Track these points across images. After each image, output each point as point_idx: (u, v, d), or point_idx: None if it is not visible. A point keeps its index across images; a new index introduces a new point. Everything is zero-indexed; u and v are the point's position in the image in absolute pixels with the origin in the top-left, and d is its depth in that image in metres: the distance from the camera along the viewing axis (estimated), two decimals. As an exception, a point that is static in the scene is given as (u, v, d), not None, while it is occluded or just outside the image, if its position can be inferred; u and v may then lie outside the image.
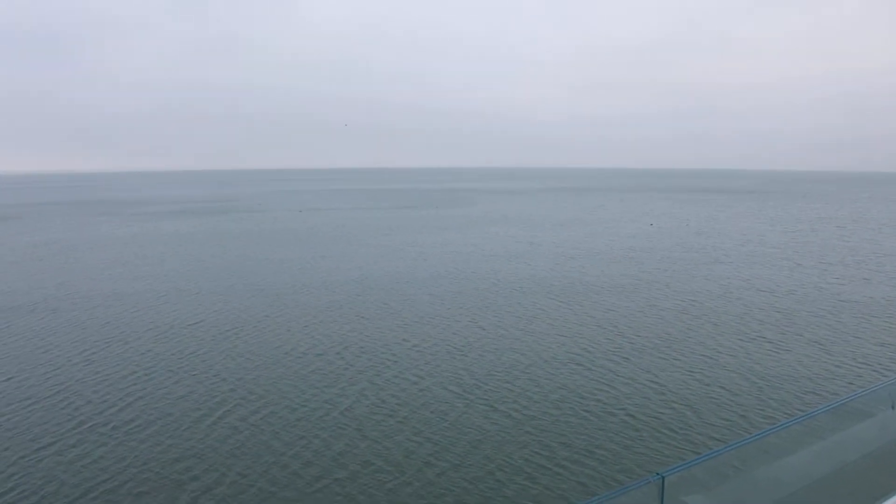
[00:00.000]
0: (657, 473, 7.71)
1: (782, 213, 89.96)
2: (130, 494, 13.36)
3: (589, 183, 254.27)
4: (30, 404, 18.22)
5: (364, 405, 18.37)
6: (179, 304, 31.26)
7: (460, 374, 21.13)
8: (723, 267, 43.10)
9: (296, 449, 15.63)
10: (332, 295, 33.57)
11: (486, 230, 66.16)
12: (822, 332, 26.54)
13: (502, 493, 13.55)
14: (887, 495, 8.57)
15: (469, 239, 57.75)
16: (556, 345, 24.54)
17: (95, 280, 38.35)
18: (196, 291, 34.62)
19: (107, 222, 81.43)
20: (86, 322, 27.93)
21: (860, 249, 51.69)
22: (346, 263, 44.12)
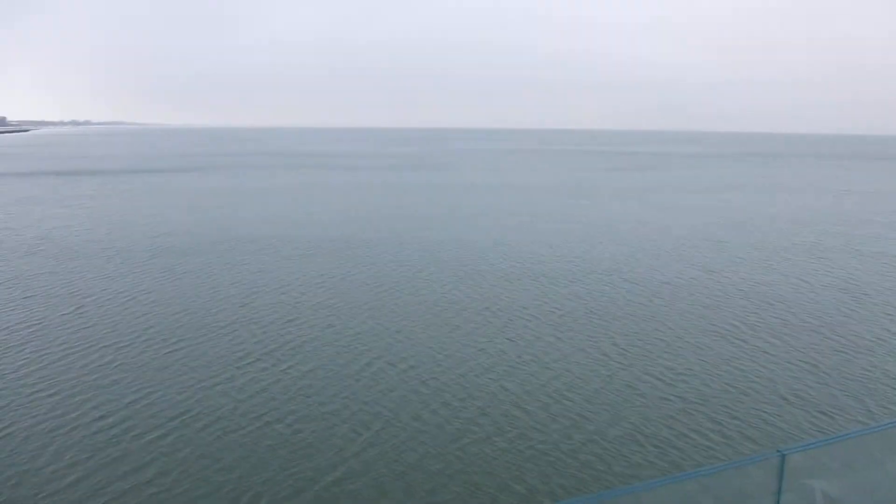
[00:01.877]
0: (778, 450, 7.40)
1: None
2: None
3: (769, 148, 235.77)
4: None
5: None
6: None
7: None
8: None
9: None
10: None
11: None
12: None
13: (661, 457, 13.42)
14: None
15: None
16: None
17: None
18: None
19: (336, 172, 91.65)
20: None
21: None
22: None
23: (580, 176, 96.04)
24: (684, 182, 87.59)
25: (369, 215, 51.15)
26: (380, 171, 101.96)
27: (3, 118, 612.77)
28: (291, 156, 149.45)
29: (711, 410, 16.78)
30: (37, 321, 23.39)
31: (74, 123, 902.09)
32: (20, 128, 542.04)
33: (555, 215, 52.21)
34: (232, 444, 14.83)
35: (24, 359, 19.78)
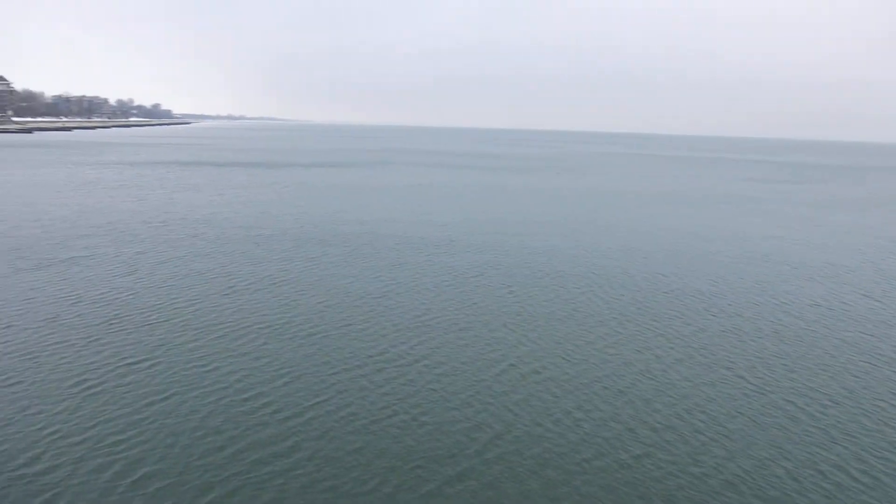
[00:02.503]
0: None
1: None
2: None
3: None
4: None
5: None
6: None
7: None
8: None
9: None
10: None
11: None
12: None
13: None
14: None
15: None
16: None
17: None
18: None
19: (475, 173, 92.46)
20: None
21: None
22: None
23: (743, 187, 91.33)
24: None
25: (535, 221, 51.53)
26: (522, 174, 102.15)
27: (169, 111, 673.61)
28: (428, 154, 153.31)
29: None
30: (196, 299, 25.67)
31: (230, 118, 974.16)
32: (183, 120, 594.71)
33: (746, 239, 50.09)
34: (360, 431, 15.62)
35: (185, 334, 21.81)
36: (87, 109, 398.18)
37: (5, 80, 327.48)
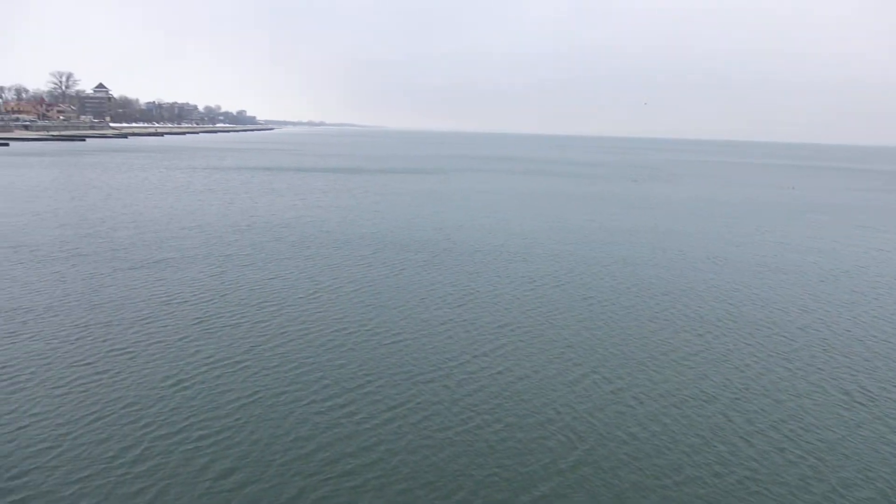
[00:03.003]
0: None
1: None
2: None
3: None
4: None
5: None
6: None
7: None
8: None
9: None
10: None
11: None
12: None
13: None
14: None
15: None
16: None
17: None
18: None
19: (569, 181, 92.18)
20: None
21: None
22: None
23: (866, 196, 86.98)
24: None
25: (649, 234, 50.73)
26: (622, 183, 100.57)
27: (254, 117, 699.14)
28: (516, 161, 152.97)
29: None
30: (281, 302, 26.36)
31: (311, 124, 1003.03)
32: (266, 126, 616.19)
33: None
34: (445, 441, 15.59)
35: (271, 336, 22.40)
36: (177, 115, 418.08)
37: (104, 87, 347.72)
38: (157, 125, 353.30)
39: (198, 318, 23.98)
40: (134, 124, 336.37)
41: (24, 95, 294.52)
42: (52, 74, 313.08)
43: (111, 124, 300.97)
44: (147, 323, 23.22)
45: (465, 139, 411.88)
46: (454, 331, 23.62)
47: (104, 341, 21.25)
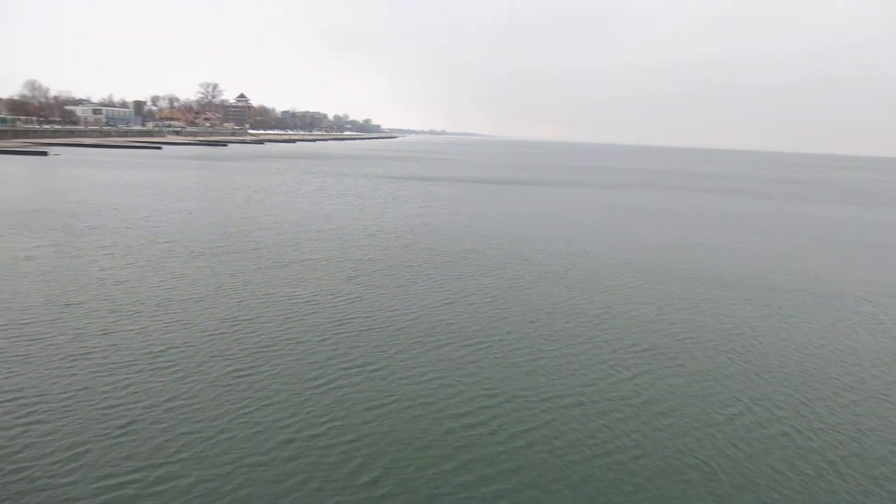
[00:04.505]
0: None
1: None
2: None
3: None
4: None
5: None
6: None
7: None
8: None
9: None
10: None
11: None
12: None
13: None
14: None
15: None
16: None
17: None
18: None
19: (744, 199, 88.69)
20: None
21: None
22: None
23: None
24: None
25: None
26: (849, 207, 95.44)
27: (379, 126, 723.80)
28: (660, 174, 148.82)
29: None
30: (412, 309, 26.61)
31: (432, 132, 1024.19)
32: (390, 134, 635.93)
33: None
34: (595, 467, 14.98)
35: (404, 341, 22.60)
36: (308, 123, 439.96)
37: (245, 97, 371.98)
38: (290, 132, 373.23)
39: (334, 319, 24.62)
40: (270, 131, 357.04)
41: (175, 104, 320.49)
42: (201, 85, 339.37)
43: (250, 131, 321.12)
44: (288, 321, 24.11)
45: (591, 150, 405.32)
46: (599, 347, 22.82)
47: (251, 335, 22.24)
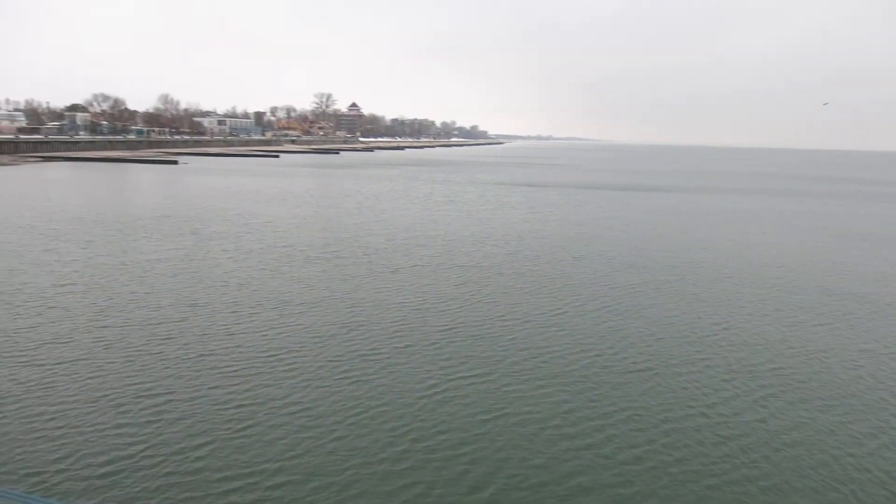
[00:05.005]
0: None
1: None
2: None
3: None
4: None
5: None
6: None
7: None
8: None
9: None
10: None
11: None
12: None
13: None
14: None
15: None
16: None
17: None
18: None
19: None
20: None
21: None
22: None
23: None
24: None
25: None
26: None
27: (485, 132, 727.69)
28: (799, 179, 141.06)
29: None
30: (522, 318, 26.13)
31: (539, 138, 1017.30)
32: (496, 140, 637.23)
33: None
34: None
35: (514, 353, 22.16)
36: (416, 130, 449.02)
37: (356, 106, 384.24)
38: (399, 139, 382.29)
39: (445, 325, 24.56)
40: (380, 139, 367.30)
41: (292, 114, 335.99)
42: (316, 95, 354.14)
43: (360, 139, 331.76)
44: (400, 327, 24.27)
45: (713, 153, 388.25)
46: (715, 368, 21.48)
47: (364, 340, 22.54)
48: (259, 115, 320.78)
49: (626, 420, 17.07)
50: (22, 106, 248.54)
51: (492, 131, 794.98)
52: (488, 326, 24.64)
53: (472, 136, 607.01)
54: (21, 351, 20.73)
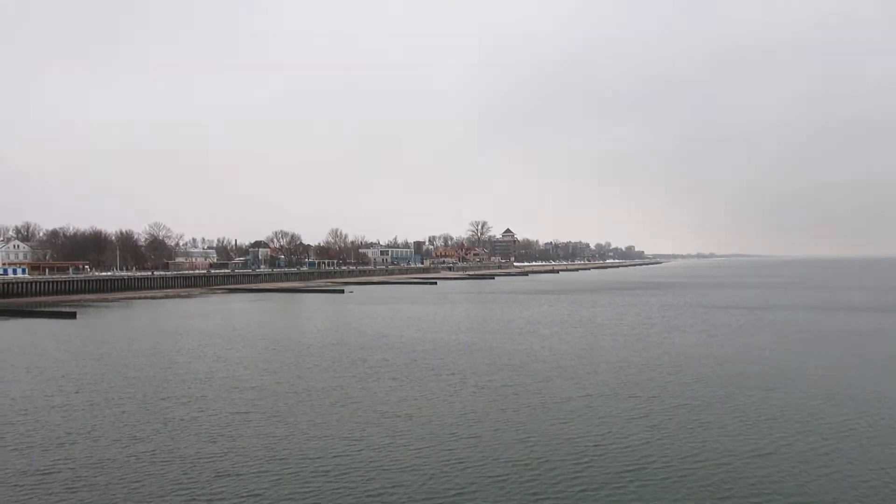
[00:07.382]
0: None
1: None
2: None
3: None
4: None
5: None
6: None
7: None
8: None
9: None
10: None
11: None
12: None
13: None
14: None
15: None
16: None
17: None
18: None
19: None
20: None
21: None
22: None
23: None
24: None
25: None
26: None
27: (642, 252, 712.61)
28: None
29: None
30: (715, 458, 23.21)
31: (700, 256, 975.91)
32: (654, 260, 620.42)
33: None
34: None
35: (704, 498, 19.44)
36: (570, 253, 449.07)
37: (511, 232, 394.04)
38: (553, 263, 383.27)
39: (630, 467, 22.26)
40: (534, 263, 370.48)
41: (449, 242, 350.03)
42: (471, 224, 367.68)
43: (515, 263, 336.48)
44: (577, 465, 22.37)
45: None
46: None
47: (541, 479, 20.84)
48: (419, 245, 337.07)
49: None
50: (214, 244, 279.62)
51: (648, 251, 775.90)
52: (677, 468, 22.00)
53: (629, 256, 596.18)
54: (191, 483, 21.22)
